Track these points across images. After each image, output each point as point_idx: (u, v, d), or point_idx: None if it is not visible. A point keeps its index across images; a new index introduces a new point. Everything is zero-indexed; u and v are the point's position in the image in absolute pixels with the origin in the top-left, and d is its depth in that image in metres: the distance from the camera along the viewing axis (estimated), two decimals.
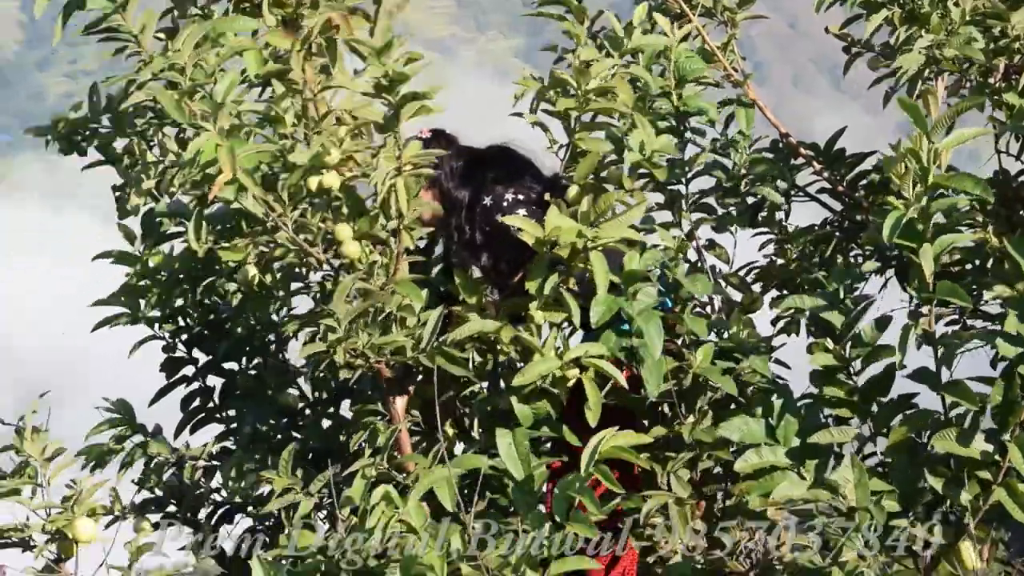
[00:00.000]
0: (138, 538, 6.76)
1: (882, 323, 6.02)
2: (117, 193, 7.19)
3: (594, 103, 6.71)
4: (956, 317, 7.26)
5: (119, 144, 7.08)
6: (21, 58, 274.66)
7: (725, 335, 6.78)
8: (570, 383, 6.26)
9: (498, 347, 6.56)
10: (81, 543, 6.56)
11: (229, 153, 5.97)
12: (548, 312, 6.35)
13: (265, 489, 7.13)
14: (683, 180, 7.67)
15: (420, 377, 6.68)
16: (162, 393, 7.68)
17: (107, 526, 7.10)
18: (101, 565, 6.79)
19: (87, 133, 7.09)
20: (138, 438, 7.53)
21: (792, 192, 7.91)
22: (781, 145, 8.04)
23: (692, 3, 8.26)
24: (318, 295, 7.10)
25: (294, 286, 7.38)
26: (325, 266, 6.64)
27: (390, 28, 6.61)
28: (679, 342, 6.51)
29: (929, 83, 7.70)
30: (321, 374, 7.36)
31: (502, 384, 6.69)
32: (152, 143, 6.90)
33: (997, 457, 5.52)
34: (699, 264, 7.64)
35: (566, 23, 7.21)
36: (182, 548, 7.60)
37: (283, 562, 5.87)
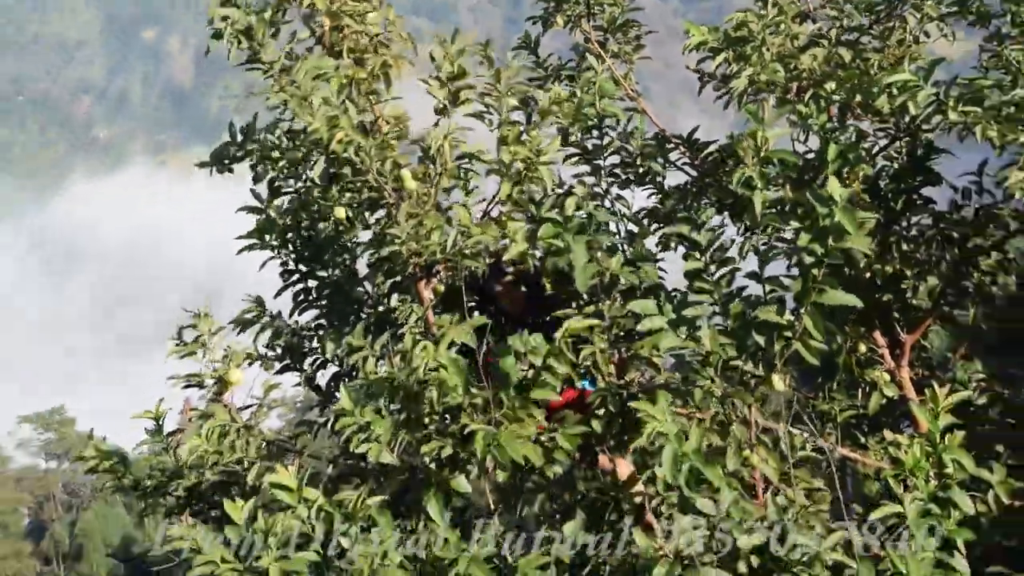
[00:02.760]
0: (268, 380, 7.11)
1: (728, 243, 6.12)
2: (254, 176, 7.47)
3: (508, 99, 6.92)
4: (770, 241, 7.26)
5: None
6: (194, 85, 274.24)
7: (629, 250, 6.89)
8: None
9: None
10: (233, 384, 6.89)
11: (346, 116, 6.55)
12: (516, 223, 6.53)
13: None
14: (602, 157, 7.70)
15: (441, 273, 6.80)
16: (281, 291, 7.72)
17: (249, 365, 7.36)
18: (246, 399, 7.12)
19: (235, 157, 7.41)
20: (266, 318, 7.68)
21: (667, 165, 7.90)
22: (660, 136, 8.02)
23: (605, 49, 8.28)
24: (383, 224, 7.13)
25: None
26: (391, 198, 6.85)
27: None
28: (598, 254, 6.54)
29: (761, 96, 7.71)
30: (379, 279, 7.43)
31: None
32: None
33: (796, 323, 5.55)
34: (612, 207, 7.65)
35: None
36: (296, 385, 7.70)
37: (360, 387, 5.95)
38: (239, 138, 7.32)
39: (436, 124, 6.87)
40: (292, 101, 6.51)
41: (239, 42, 6.77)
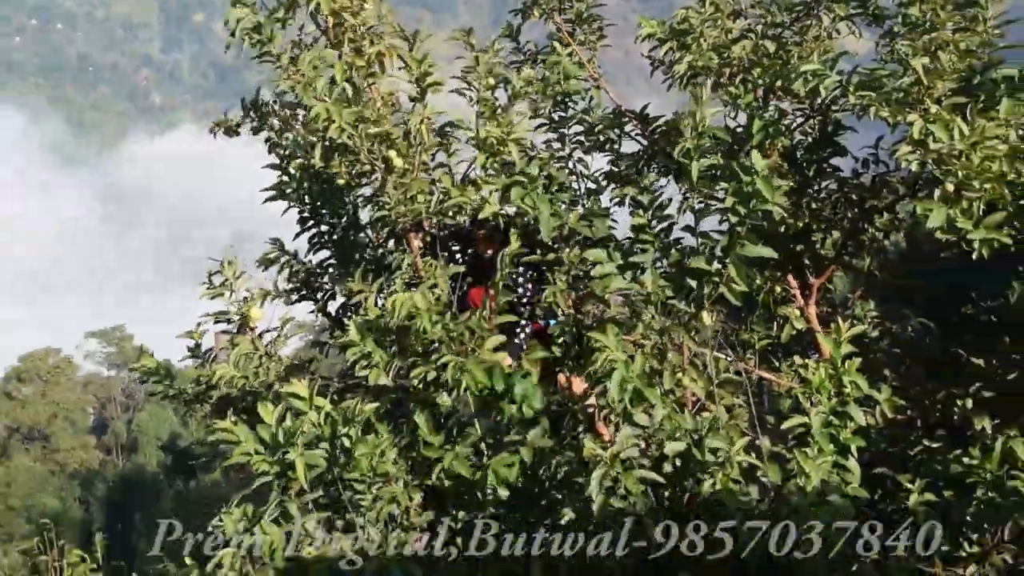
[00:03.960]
0: (285, 314, 7.21)
1: (666, 203, 6.05)
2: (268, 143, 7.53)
3: (487, 80, 6.84)
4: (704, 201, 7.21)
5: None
6: (235, 64, 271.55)
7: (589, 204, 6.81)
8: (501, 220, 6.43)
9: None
10: (254, 319, 6.99)
11: (338, 111, 6.31)
12: (491, 184, 6.38)
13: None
14: (566, 127, 7.58)
15: (427, 227, 6.71)
16: (298, 234, 7.67)
17: (272, 301, 7.31)
18: (267, 330, 7.16)
19: (239, 124, 7.58)
20: (286, 258, 7.64)
21: (622, 134, 7.80)
22: (617, 111, 7.92)
23: (573, 38, 8.13)
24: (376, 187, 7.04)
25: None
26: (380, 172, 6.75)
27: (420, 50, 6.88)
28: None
29: (700, 80, 7.61)
30: (378, 228, 7.36)
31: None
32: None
33: (723, 270, 5.53)
34: (575, 168, 7.56)
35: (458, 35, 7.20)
36: (311, 312, 7.64)
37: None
38: (247, 107, 7.42)
39: (412, 109, 6.78)
40: (298, 87, 6.42)
41: (250, 37, 6.68)
